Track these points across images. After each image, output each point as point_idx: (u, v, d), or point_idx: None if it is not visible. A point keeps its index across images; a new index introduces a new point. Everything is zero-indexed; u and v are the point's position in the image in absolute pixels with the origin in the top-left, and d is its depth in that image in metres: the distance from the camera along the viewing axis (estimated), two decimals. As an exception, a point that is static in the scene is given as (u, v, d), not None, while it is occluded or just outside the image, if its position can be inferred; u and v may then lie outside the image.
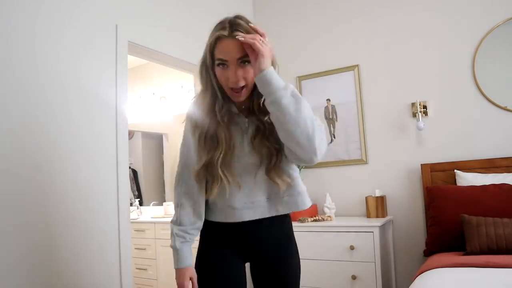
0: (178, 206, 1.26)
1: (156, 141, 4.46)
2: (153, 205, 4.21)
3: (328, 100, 3.07)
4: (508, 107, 2.49)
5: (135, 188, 4.36)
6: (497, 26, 2.52)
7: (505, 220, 1.99)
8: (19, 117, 1.64)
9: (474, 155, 2.56)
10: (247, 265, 1.33)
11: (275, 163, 1.18)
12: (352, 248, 2.47)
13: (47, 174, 1.72)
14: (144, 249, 3.58)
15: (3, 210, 1.54)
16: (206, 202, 1.28)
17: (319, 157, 1.08)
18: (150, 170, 4.48)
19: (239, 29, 1.07)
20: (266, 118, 1.14)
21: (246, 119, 1.21)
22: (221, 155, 1.16)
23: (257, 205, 1.23)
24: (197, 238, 1.31)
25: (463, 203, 2.22)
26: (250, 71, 1.10)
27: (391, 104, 2.85)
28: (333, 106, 3.06)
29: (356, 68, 2.98)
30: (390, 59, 2.87)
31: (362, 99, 2.96)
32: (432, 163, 2.65)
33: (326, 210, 2.83)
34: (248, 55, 1.06)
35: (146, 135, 4.44)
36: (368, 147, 2.92)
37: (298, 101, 1.03)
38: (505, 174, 2.35)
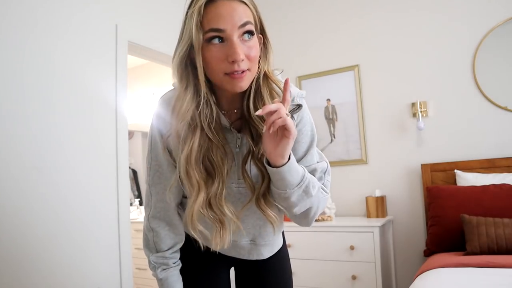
0: (150, 231, 1.02)
1: (156, 141, 4.46)
2: (153, 205, 4.20)
3: (328, 100, 3.07)
4: (508, 107, 2.49)
5: (135, 188, 4.36)
6: (497, 26, 2.52)
7: (506, 220, 1.99)
8: (19, 117, 1.64)
9: (474, 155, 2.56)
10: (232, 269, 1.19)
11: (265, 190, 0.91)
12: (352, 248, 2.47)
13: (46, 174, 1.72)
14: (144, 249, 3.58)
15: (3, 210, 1.54)
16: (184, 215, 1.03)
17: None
18: (150, 170, 4.47)
19: None
20: (263, 128, 0.82)
21: (239, 135, 0.92)
22: (221, 188, 0.88)
23: (237, 245, 1.03)
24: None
25: (463, 203, 2.22)
26: (254, 48, 0.80)
27: (391, 104, 2.85)
28: (333, 106, 3.06)
29: (356, 68, 2.98)
30: (390, 59, 2.87)
31: (362, 99, 2.96)
32: (432, 163, 2.65)
33: (326, 210, 2.83)
34: (251, 23, 0.79)
35: (146, 135, 4.42)
36: (368, 147, 2.92)
37: (309, 194, 0.86)
38: (505, 174, 2.35)
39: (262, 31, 0.87)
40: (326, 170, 0.96)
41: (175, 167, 0.93)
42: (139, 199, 4.29)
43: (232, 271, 1.18)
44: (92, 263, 1.87)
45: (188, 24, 0.79)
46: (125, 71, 2.16)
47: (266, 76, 0.88)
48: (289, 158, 0.81)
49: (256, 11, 0.84)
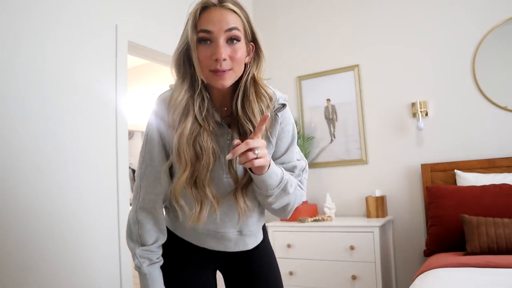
0: (136, 223, 1.04)
1: (156, 141, 4.46)
2: (153, 205, 4.20)
3: (328, 100, 3.07)
4: (508, 107, 2.49)
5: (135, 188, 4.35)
6: (497, 26, 2.52)
7: (505, 220, 1.99)
8: (18, 117, 1.64)
9: (474, 155, 2.56)
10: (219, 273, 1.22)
11: (246, 182, 1.01)
12: (352, 248, 2.47)
13: (46, 174, 1.72)
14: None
15: (3, 210, 1.54)
16: (170, 211, 1.11)
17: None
18: (150, 170, 4.47)
19: (230, 0, 0.92)
20: (248, 125, 0.96)
21: (229, 130, 1.01)
22: (208, 170, 0.96)
23: (223, 237, 1.07)
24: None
25: (463, 203, 2.22)
26: (239, 50, 0.92)
27: (391, 104, 2.85)
28: (333, 106, 3.06)
29: (356, 68, 2.98)
30: (390, 59, 2.87)
31: (362, 99, 2.96)
32: (432, 163, 2.65)
33: (326, 210, 2.83)
34: (238, 30, 0.91)
35: (146, 135, 4.43)
36: (368, 147, 2.92)
37: (286, 192, 0.99)
38: (505, 174, 2.35)
39: (254, 40, 0.97)
40: (304, 169, 1.09)
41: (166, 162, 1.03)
42: (139, 199, 4.29)
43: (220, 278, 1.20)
44: (92, 263, 1.87)
45: (187, 25, 0.94)
46: (125, 71, 2.16)
47: (254, 80, 0.98)
48: (269, 166, 0.93)
49: (247, 20, 0.95)
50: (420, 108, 2.70)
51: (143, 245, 1.04)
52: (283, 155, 1.06)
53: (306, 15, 3.21)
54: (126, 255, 2.03)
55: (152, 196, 1.04)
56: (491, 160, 2.48)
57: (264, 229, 1.20)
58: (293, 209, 1.08)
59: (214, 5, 0.91)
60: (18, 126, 1.63)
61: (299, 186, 1.06)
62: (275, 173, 0.95)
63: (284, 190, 0.99)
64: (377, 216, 2.69)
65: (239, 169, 1.01)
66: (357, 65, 2.98)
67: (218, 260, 1.15)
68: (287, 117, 1.06)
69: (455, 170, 2.53)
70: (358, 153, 2.94)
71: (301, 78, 3.19)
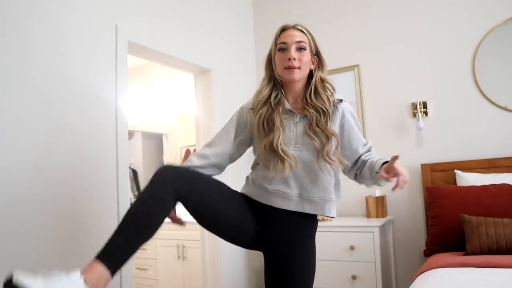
0: (193, 155, 1.41)
1: (156, 141, 4.46)
2: (153, 205, 4.20)
3: (328, 100, 3.07)
4: (508, 107, 2.49)
5: (135, 188, 4.35)
6: (497, 26, 2.52)
7: (505, 220, 1.99)
8: (18, 117, 1.64)
9: (474, 155, 2.56)
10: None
11: (329, 149, 1.33)
12: (352, 248, 2.47)
13: (46, 174, 1.72)
14: (144, 249, 3.58)
15: (3, 210, 1.54)
16: (250, 176, 1.45)
17: None
18: (150, 170, 4.47)
19: (301, 25, 1.40)
20: (321, 107, 1.34)
21: (298, 115, 1.38)
22: (280, 138, 1.31)
23: (287, 197, 1.35)
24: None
25: (463, 203, 2.22)
26: (305, 56, 1.35)
27: (391, 104, 2.85)
28: (333, 106, 3.06)
29: (356, 68, 2.98)
30: (390, 59, 2.87)
31: (362, 99, 2.96)
32: (432, 163, 2.65)
33: (326, 210, 2.83)
34: (305, 43, 1.36)
35: (146, 135, 4.43)
36: (368, 147, 2.92)
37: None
38: (505, 174, 2.35)
39: (317, 54, 1.43)
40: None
41: (235, 140, 1.45)
42: (139, 199, 4.28)
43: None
44: (92, 263, 1.87)
45: (272, 43, 1.41)
46: (125, 71, 2.15)
47: (321, 78, 1.41)
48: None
49: (312, 39, 1.43)
50: (420, 108, 2.70)
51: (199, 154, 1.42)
52: (359, 138, 1.46)
53: (306, 15, 3.21)
54: (126, 255, 2.03)
55: (218, 145, 1.44)
56: (491, 160, 2.48)
57: (314, 232, 1.53)
58: None
59: (289, 27, 1.39)
60: (17, 126, 1.63)
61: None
62: None
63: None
64: (377, 216, 2.69)
65: (304, 146, 1.35)
66: (357, 65, 2.98)
67: (269, 233, 1.39)
68: (346, 108, 1.43)
69: (455, 170, 2.53)
70: (358, 153, 2.94)
71: (301, 78, 3.19)
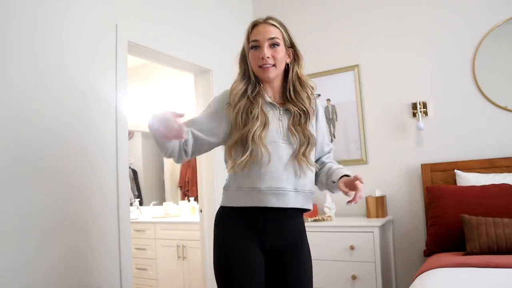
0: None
1: (156, 141, 4.45)
2: (153, 205, 4.21)
3: (328, 100, 3.07)
4: (508, 107, 2.49)
5: (135, 188, 4.35)
6: (497, 26, 2.52)
7: (505, 220, 1.99)
8: (18, 117, 1.64)
9: (474, 155, 2.56)
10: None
11: (305, 150, 1.31)
12: (352, 248, 2.47)
13: (46, 174, 1.72)
14: (144, 249, 3.58)
15: (3, 210, 1.54)
16: (230, 185, 1.33)
17: None
18: (150, 170, 4.47)
19: (273, 19, 1.36)
20: (301, 106, 1.33)
21: (281, 108, 1.35)
22: (256, 129, 1.26)
23: (282, 193, 1.28)
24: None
25: (463, 203, 2.22)
26: (279, 52, 1.31)
27: (391, 104, 2.85)
28: (333, 106, 3.06)
29: (356, 68, 2.98)
30: (390, 59, 2.87)
31: (362, 99, 2.96)
32: (432, 163, 2.65)
33: (326, 210, 2.83)
34: (278, 38, 1.32)
35: (146, 135, 4.43)
36: (368, 147, 2.92)
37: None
38: (505, 174, 2.35)
39: (292, 46, 1.39)
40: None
41: (212, 127, 1.34)
42: (139, 199, 4.29)
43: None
44: (92, 263, 1.87)
45: (244, 39, 1.37)
46: (125, 71, 2.15)
47: (298, 75, 1.38)
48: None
49: (285, 31, 1.38)
50: (420, 108, 2.70)
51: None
52: (324, 136, 1.47)
53: (306, 15, 3.21)
54: (126, 255, 2.03)
55: (194, 131, 1.31)
56: (491, 160, 2.48)
57: (304, 226, 1.43)
58: None
59: (261, 22, 1.34)
60: (17, 126, 1.63)
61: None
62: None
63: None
64: (377, 216, 2.69)
65: (295, 139, 1.32)
66: (357, 65, 2.98)
67: (269, 240, 1.30)
68: (319, 104, 1.48)
69: (455, 170, 2.53)
70: (358, 153, 2.95)
71: (301, 78, 3.19)
